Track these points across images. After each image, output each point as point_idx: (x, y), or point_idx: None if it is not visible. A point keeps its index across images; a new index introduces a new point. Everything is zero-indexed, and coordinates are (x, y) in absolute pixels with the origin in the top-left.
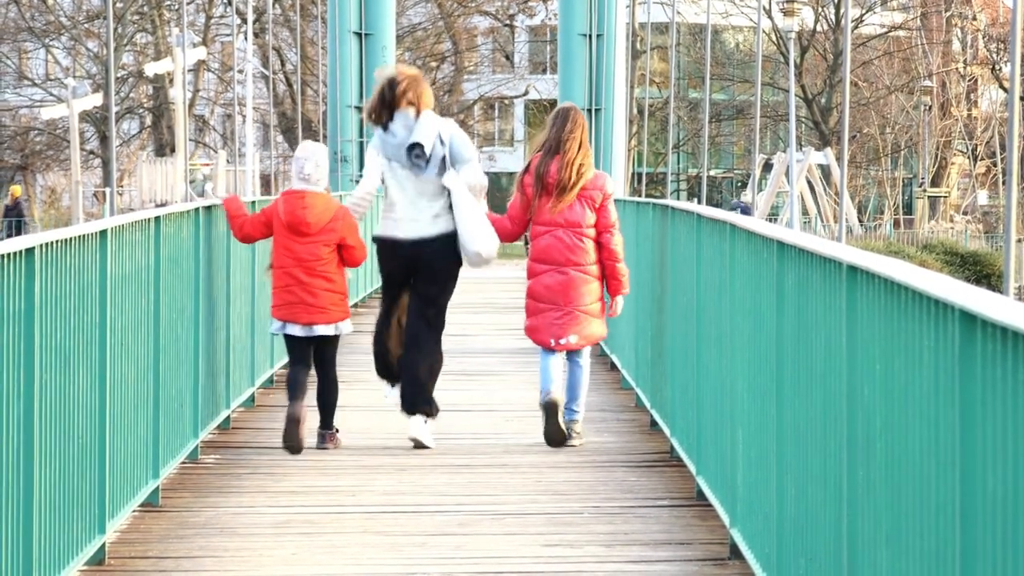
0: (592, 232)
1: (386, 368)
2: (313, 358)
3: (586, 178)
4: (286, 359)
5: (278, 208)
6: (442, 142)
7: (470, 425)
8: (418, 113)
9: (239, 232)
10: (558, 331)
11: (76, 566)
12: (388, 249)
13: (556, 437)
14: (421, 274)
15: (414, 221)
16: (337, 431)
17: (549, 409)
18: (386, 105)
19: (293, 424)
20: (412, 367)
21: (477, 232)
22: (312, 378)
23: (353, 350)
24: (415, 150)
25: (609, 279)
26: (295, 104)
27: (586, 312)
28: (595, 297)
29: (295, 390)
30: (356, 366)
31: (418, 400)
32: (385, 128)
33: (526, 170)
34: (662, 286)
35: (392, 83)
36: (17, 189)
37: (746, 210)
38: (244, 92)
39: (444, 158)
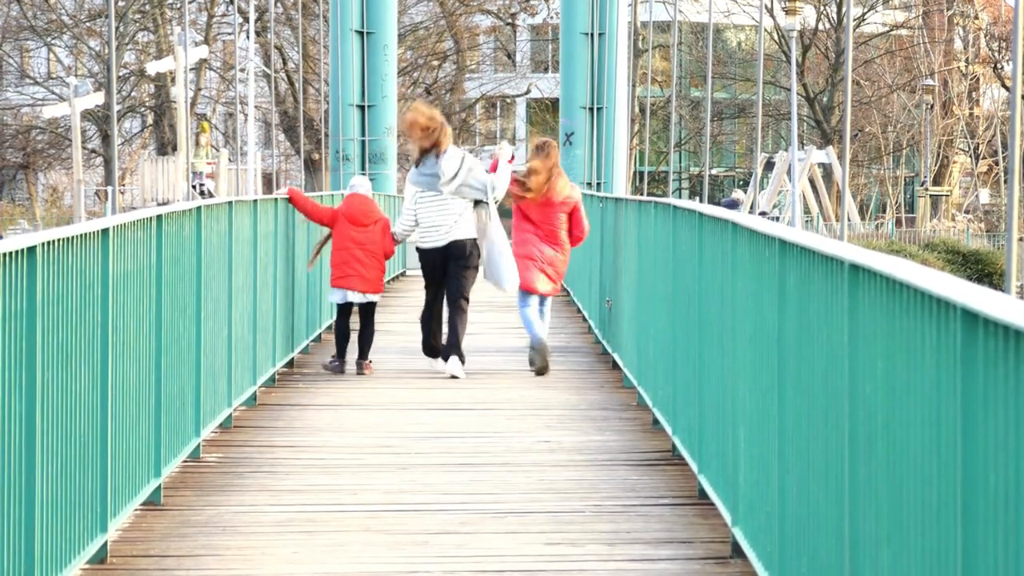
0: (563, 231)
1: (431, 348)
2: (360, 314)
3: (558, 193)
4: (287, 358)
5: (341, 207)
6: (467, 169)
7: (472, 423)
8: (441, 151)
9: (310, 215)
10: (531, 280)
11: (78, 564)
12: (425, 254)
13: (544, 371)
14: (449, 269)
15: (441, 232)
16: (371, 362)
17: (539, 350)
18: (420, 150)
19: (339, 371)
20: (452, 328)
21: (507, 272)
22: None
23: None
24: (451, 184)
25: (573, 242)
26: (297, 103)
27: (552, 273)
28: (561, 261)
29: (342, 343)
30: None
31: (456, 347)
32: (417, 164)
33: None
34: (664, 285)
35: (425, 131)
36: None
37: (732, 204)
38: (246, 91)
39: (467, 183)
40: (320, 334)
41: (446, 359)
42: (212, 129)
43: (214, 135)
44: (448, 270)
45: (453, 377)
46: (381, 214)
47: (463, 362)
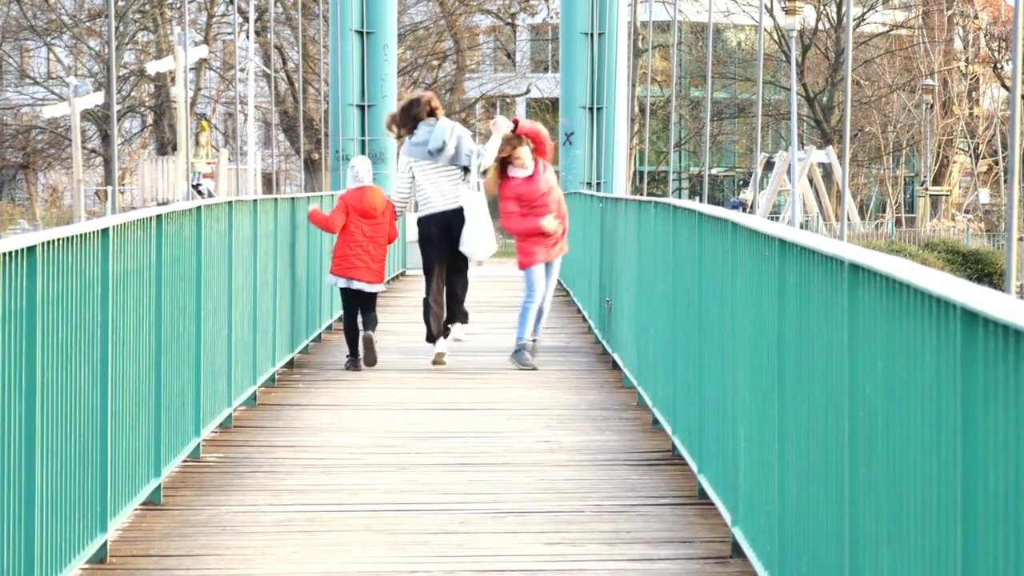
0: (552, 202)
1: (432, 336)
2: (360, 305)
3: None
4: (287, 358)
5: (350, 201)
6: (457, 138)
7: (472, 423)
8: (435, 118)
9: (332, 230)
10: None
11: (78, 564)
12: (428, 222)
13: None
14: (450, 238)
15: (442, 197)
16: (377, 342)
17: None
18: (411, 117)
19: (369, 357)
20: (451, 290)
21: (479, 236)
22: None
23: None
24: (441, 148)
25: None
26: (297, 103)
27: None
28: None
29: (353, 341)
30: (360, 368)
31: (456, 312)
32: (411, 134)
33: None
34: (664, 285)
35: (415, 102)
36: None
37: (737, 205)
38: (246, 91)
39: (457, 149)
40: (320, 334)
41: (449, 321)
42: (212, 129)
43: (214, 135)
44: (449, 243)
45: (439, 359)
46: (385, 199)
47: (465, 321)
